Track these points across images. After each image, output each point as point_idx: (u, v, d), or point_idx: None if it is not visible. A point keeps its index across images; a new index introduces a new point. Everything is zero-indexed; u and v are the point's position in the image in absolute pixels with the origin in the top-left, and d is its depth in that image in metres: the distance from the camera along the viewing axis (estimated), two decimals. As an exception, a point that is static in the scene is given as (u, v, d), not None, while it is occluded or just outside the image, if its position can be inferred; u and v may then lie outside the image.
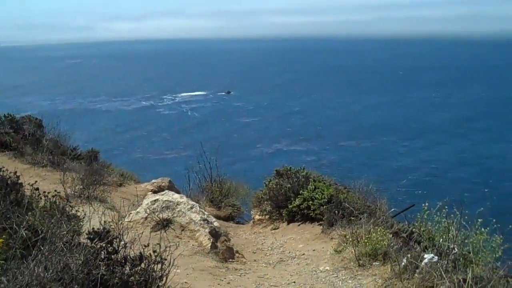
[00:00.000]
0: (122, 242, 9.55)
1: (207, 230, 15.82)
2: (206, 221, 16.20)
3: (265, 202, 21.63)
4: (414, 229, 14.68)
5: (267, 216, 21.35)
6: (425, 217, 14.55)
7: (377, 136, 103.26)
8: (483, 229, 13.90)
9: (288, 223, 20.09)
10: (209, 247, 15.24)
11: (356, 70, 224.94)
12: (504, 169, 79.42)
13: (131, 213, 16.52)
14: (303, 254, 15.95)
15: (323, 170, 69.84)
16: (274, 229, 20.29)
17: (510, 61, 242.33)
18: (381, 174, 77.89)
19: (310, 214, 19.00)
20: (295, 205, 19.59)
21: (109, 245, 9.27)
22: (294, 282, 13.07)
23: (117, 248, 9.34)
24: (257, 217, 22.10)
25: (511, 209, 61.23)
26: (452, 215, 13.98)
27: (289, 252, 16.55)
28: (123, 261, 9.19)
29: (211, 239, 15.55)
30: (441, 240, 12.90)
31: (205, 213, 17.04)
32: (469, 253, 13.13)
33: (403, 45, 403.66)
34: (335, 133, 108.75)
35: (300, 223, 19.59)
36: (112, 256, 9.13)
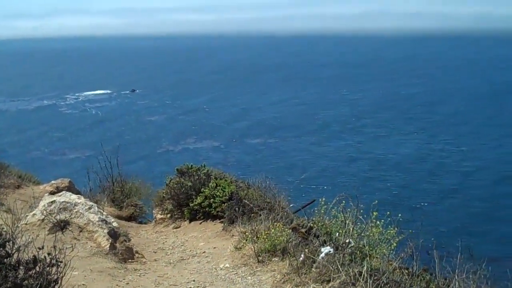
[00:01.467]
0: (16, 246, 9.25)
1: (105, 231, 15.50)
2: (104, 222, 15.88)
3: (167, 201, 21.46)
4: (313, 224, 14.84)
5: (168, 215, 21.19)
6: (322, 211, 14.75)
7: (280, 133, 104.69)
8: (378, 222, 14.29)
9: (190, 222, 19.99)
10: (108, 248, 14.93)
11: (258, 68, 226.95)
12: (397, 161, 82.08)
13: (27, 216, 15.97)
14: (204, 252, 15.89)
15: (229, 168, 70.23)
16: (176, 228, 20.15)
17: (405, 56, 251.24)
18: (284, 169, 79.03)
19: (212, 212, 18.97)
20: (196, 203, 19.50)
21: (1, 249, 8.95)
22: (194, 281, 12.99)
23: (10, 252, 9.02)
24: (159, 216, 21.92)
25: (404, 201, 63.57)
26: (349, 209, 14.29)
27: (190, 251, 16.45)
28: (16, 265, 8.89)
29: (110, 240, 15.25)
30: (337, 234, 13.14)
31: (104, 213, 16.70)
32: (365, 246, 13.45)
33: (303, 42, 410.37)
34: (240, 131, 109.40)
35: (202, 221, 19.53)
36: (5, 260, 8.83)
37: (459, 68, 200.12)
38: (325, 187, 66.79)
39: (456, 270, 14.03)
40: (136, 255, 15.83)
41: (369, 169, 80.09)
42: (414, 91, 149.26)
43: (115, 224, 16.33)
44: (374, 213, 13.88)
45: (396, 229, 14.49)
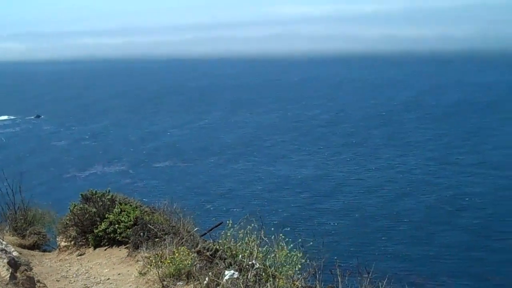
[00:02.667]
0: None
1: (5, 261, 14.96)
2: (4, 251, 15.32)
3: (71, 228, 20.96)
4: (218, 247, 14.87)
5: (72, 242, 20.69)
6: (228, 234, 14.83)
7: (187, 156, 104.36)
8: (284, 244, 14.50)
9: (95, 248, 19.59)
10: (8, 278, 14.40)
11: (164, 91, 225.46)
12: (300, 181, 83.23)
13: None
14: (108, 279, 15.62)
15: (137, 192, 69.33)
16: (80, 255, 19.69)
17: (310, 77, 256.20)
18: (191, 192, 78.83)
19: (117, 238, 18.68)
20: (101, 229, 19.16)
21: None
22: (97, 308, 12.76)
23: None
24: (63, 243, 21.34)
25: (307, 219, 64.71)
26: (254, 231, 14.43)
27: (94, 278, 16.12)
28: None
29: (10, 270, 14.72)
30: (240, 256, 13.23)
31: (3, 242, 16.12)
32: (270, 267, 13.61)
33: (212, 65, 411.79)
34: (146, 154, 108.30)
35: (107, 247, 19.19)
36: None
37: (361, 89, 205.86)
38: (234, 209, 67.05)
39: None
40: (38, 284, 15.35)
41: (274, 189, 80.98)
42: (317, 111, 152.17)
43: (15, 253, 15.77)
44: (281, 235, 14.12)
45: (301, 250, 14.76)
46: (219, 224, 19.01)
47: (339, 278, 14.14)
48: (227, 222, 15.00)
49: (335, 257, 20.59)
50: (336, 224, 64.48)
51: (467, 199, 71.27)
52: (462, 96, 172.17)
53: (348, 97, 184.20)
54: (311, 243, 15.33)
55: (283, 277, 14.06)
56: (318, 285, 14.07)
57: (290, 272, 14.39)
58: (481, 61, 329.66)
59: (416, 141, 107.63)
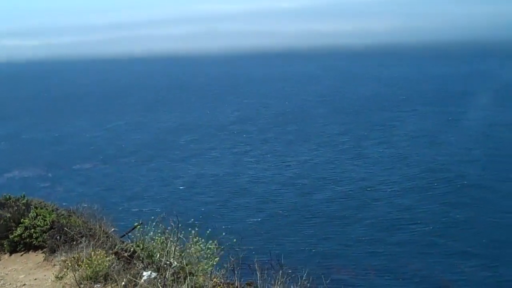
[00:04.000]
0: None
1: None
2: None
3: (-16, 235, 20.38)
4: (136, 247, 14.85)
5: (-13, 249, 20.13)
6: (146, 234, 14.83)
7: (106, 158, 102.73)
8: (197, 239, 14.62)
9: (11, 254, 19.14)
10: None
11: (79, 92, 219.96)
12: (216, 179, 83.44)
13: None
14: (24, 284, 15.34)
15: (57, 195, 67.85)
16: (-5, 262, 19.21)
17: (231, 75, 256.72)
18: (112, 194, 77.79)
19: (33, 243, 18.34)
20: (16, 234, 18.74)
21: None
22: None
23: None
24: (-24, 251, 20.73)
25: (225, 216, 65.02)
26: (168, 229, 14.48)
27: (10, 284, 15.79)
28: None
29: None
30: (158, 255, 13.28)
31: None
32: (187, 265, 13.71)
33: (133, 65, 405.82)
34: (65, 157, 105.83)
35: (23, 252, 18.79)
36: None
37: (277, 85, 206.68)
38: (153, 209, 66.42)
39: (279, 282, 14.69)
40: (-50, 294, 14.96)
41: (190, 187, 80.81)
42: (231, 109, 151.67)
43: None
44: (193, 232, 14.22)
45: (215, 244, 14.92)
46: (138, 225, 18.92)
47: (258, 273, 14.37)
48: (148, 222, 15.00)
49: (253, 252, 20.91)
50: (253, 220, 64.95)
51: (378, 191, 72.94)
52: (376, 89, 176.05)
53: (264, 93, 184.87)
54: (228, 237, 15.50)
55: (201, 274, 14.20)
56: (237, 280, 14.31)
57: (207, 267, 14.54)
58: (400, 54, 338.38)
59: (328, 134, 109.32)
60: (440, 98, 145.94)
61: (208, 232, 14.98)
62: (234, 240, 16.27)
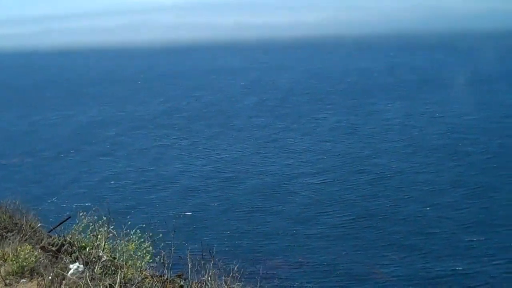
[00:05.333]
0: None
1: None
2: None
3: None
4: (64, 241, 14.64)
5: None
6: (75, 227, 14.65)
7: (35, 152, 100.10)
8: (133, 235, 14.57)
9: None
10: None
11: (7, 87, 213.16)
12: (160, 174, 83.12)
13: None
14: None
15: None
16: None
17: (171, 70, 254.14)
18: (43, 189, 76.08)
19: (-43, 239, 17.81)
20: None
21: None
22: None
23: None
24: None
25: (167, 210, 64.79)
26: (103, 225, 14.36)
27: None
28: None
29: None
30: (87, 249, 13.16)
31: None
32: (118, 258, 13.65)
33: (59, 58, 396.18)
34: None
35: None
36: None
37: (201, 78, 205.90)
38: (88, 204, 65.36)
39: (209, 273, 14.77)
40: None
41: (132, 183, 79.98)
42: (149, 106, 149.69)
43: None
44: (123, 226, 14.18)
45: (149, 240, 14.92)
46: (67, 219, 18.68)
47: (189, 265, 14.43)
48: (77, 216, 14.82)
49: (186, 244, 20.95)
50: (180, 212, 64.84)
51: (299, 183, 73.94)
52: (302, 82, 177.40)
53: (194, 86, 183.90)
54: (157, 230, 15.53)
55: (132, 267, 14.16)
56: (167, 273, 14.32)
57: (138, 263, 14.53)
58: (330, 47, 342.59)
59: (252, 127, 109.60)
60: (363, 91, 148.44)
61: (138, 226, 14.96)
62: (161, 235, 16.29)
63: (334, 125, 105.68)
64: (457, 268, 46.87)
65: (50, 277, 11.83)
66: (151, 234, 15.42)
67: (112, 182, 78.54)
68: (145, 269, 14.47)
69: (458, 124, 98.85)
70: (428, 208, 60.65)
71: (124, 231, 14.62)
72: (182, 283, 14.84)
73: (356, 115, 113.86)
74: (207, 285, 14.45)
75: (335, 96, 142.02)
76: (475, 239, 52.31)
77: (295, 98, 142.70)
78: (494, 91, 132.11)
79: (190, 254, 14.12)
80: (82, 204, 63.32)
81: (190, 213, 63.69)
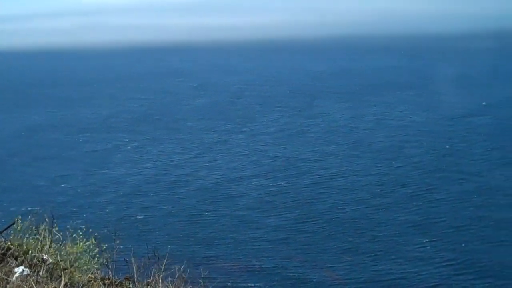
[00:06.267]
0: None
1: None
2: None
3: None
4: (10, 245, 14.70)
5: None
6: (25, 232, 14.72)
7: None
8: (78, 238, 14.72)
9: None
10: None
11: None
12: (112, 177, 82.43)
13: None
14: None
15: None
16: None
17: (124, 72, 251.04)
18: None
19: None
20: None
21: None
22: None
23: None
24: None
25: (114, 214, 64.40)
26: (46, 227, 14.42)
27: None
28: None
29: None
30: (30, 253, 13.25)
31: None
32: (64, 261, 13.75)
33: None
34: None
35: None
36: None
37: (153, 81, 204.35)
38: (33, 207, 64.29)
39: (156, 275, 15.00)
40: None
41: (79, 185, 79.09)
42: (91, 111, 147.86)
43: None
44: (74, 233, 14.34)
45: (95, 243, 15.06)
46: (13, 223, 18.62)
47: (134, 267, 14.65)
48: (22, 219, 14.86)
49: (131, 245, 21.08)
50: (126, 215, 64.60)
51: (244, 185, 74.40)
52: (253, 84, 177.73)
53: (144, 88, 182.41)
54: (103, 232, 15.69)
55: (78, 270, 14.30)
56: (113, 275, 14.52)
57: (87, 266, 14.68)
58: (283, 49, 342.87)
59: (198, 129, 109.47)
60: (312, 93, 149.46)
61: (83, 229, 15.10)
62: (107, 237, 16.42)
63: (282, 127, 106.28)
64: (409, 270, 47.84)
65: (-6, 281, 11.92)
66: (96, 236, 15.59)
67: (60, 185, 77.60)
68: (91, 272, 14.63)
69: (403, 126, 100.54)
70: (374, 210, 61.80)
71: (70, 234, 14.76)
72: (130, 285, 15.04)
73: (304, 117, 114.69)
74: (153, 287, 14.70)
75: (285, 98, 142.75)
76: (422, 240, 53.54)
77: (245, 100, 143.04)
78: (440, 93, 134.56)
79: (136, 257, 14.34)
80: (27, 208, 62.50)
81: (136, 216, 63.51)
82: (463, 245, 51.69)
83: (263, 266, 49.58)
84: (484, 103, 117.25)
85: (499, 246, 51.09)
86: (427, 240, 53.23)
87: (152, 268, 14.69)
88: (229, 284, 45.89)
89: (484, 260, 48.50)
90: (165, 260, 14.96)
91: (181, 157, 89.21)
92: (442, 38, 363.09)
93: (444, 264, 48.41)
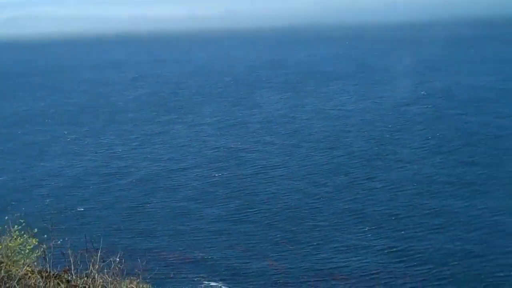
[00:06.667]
0: None
1: None
2: None
3: None
4: None
5: None
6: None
7: None
8: (14, 233, 14.63)
9: None
10: None
11: None
12: (51, 171, 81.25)
13: None
14: None
15: None
16: None
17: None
18: None
19: None
20: None
21: None
22: None
23: None
24: None
25: (55, 207, 63.57)
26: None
27: None
28: None
29: None
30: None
31: None
32: (0, 256, 13.69)
33: None
34: None
35: None
36: None
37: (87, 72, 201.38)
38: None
39: (94, 266, 15.02)
40: None
41: (16, 178, 77.41)
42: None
43: None
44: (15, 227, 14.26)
45: (32, 236, 14.99)
46: None
47: (71, 259, 14.65)
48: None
49: (66, 239, 21.00)
50: (63, 207, 63.98)
51: (176, 176, 74.54)
52: (190, 76, 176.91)
53: (73, 81, 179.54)
54: (41, 225, 15.61)
55: (14, 263, 14.22)
56: (48, 266, 14.48)
57: (22, 259, 14.61)
58: (224, 40, 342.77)
59: (137, 120, 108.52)
60: (250, 84, 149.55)
61: (19, 221, 15.01)
62: (44, 229, 16.38)
63: (222, 118, 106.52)
64: (350, 259, 48.55)
65: None
66: (35, 229, 15.52)
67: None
68: (28, 265, 14.57)
69: (343, 116, 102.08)
70: (314, 199, 62.65)
71: (7, 228, 14.68)
72: (68, 277, 15.01)
73: (244, 107, 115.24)
74: (91, 278, 14.72)
75: (225, 89, 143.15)
76: (362, 228, 54.45)
77: (185, 91, 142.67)
78: (381, 83, 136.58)
79: (73, 249, 14.36)
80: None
81: (76, 208, 62.85)
82: (402, 232, 52.87)
83: (205, 257, 49.73)
84: (423, 92, 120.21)
85: (437, 233, 52.46)
86: (367, 228, 54.20)
87: (91, 260, 14.69)
88: (172, 275, 45.95)
89: (423, 247, 49.74)
90: (99, 252, 14.99)
91: (121, 149, 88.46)
92: (388, 28, 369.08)
93: (385, 251, 49.35)
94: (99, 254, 14.85)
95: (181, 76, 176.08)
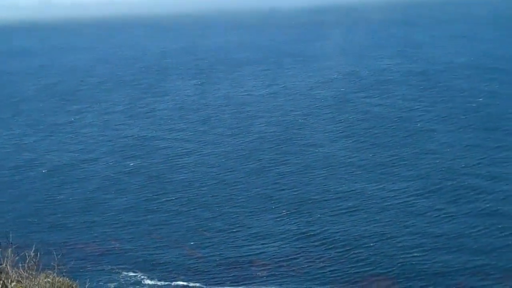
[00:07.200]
0: None
1: None
2: None
3: None
4: None
5: None
6: None
7: None
8: None
9: None
10: None
11: None
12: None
13: None
14: None
15: None
16: None
17: None
18: None
19: None
20: None
21: None
22: None
23: None
24: None
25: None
26: None
27: None
28: None
29: None
30: None
31: None
32: None
33: None
34: None
35: None
36: None
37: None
38: None
39: (8, 260, 14.62)
40: None
41: None
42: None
43: None
44: None
45: None
46: None
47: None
48: None
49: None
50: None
51: (88, 168, 73.41)
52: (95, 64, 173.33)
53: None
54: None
55: None
56: None
57: None
58: (135, 26, 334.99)
59: (41, 111, 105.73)
60: (160, 71, 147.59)
61: None
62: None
63: (132, 105, 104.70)
64: (268, 244, 48.99)
65: None
66: None
67: None
68: None
69: (251, 101, 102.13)
70: (226, 185, 62.89)
71: None
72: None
73: (154, 95, 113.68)
74: (4, 273, 14.36)
75: (134, 76, 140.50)
76: (278, 214, 54.98)
77: (94, 80, 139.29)
78: (289, 68, 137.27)
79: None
80: None
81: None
82: (317, 216, 53.80)
83: (122, 247, 49.25)
84: (335, 76, 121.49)
85: (350, 215, 53.73)
86: (283, 212, 54.79)
87: (4, 254, 14.37)
88: (89, 267, 45.31)
89: (337, 230, 50.89)
90: (11, 246, 14.68)
91: (30, 140, 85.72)
92: (302, 12, 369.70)
93: (301, 236, 50.11)
94: (11, 249, 14.49)
95: (90, 64, 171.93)
